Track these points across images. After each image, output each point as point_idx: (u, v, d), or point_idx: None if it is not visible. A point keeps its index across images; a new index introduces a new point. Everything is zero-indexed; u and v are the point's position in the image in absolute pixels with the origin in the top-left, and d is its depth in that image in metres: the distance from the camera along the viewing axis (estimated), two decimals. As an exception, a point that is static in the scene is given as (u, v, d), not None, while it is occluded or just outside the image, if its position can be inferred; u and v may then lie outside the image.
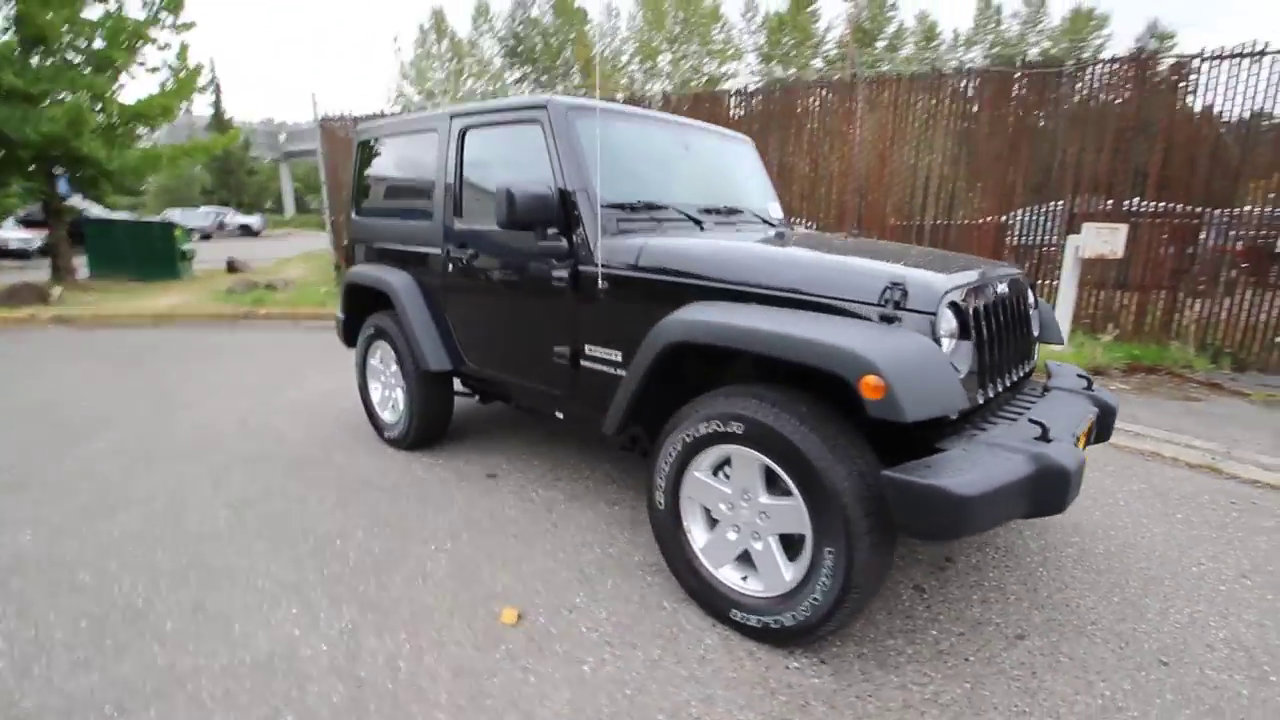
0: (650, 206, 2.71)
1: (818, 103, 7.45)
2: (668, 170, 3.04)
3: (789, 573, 1.94)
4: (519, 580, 2.38)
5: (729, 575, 2.10)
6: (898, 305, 1.84)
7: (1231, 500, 3.13)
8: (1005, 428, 1.97)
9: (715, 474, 2.11)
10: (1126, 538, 2.74)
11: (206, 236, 25.93)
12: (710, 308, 2.10)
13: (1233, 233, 5.97)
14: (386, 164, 3.69)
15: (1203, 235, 6.16)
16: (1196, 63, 5.70)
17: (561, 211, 2.54)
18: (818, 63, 34.41)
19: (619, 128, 2.85)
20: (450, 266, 3.16)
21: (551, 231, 2.59)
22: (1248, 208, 5.86)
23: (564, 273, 2.60)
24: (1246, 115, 5.65)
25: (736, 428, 1.93)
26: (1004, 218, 6.81)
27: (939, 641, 2.06)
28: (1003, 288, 2.20)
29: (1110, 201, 6.35)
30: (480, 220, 3.01)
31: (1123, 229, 5.67)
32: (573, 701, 1.80)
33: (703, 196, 3.00)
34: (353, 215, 3.91)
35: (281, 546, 2.61)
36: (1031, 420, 1.93)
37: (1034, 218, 6.71)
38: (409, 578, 2.39)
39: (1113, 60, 6.22)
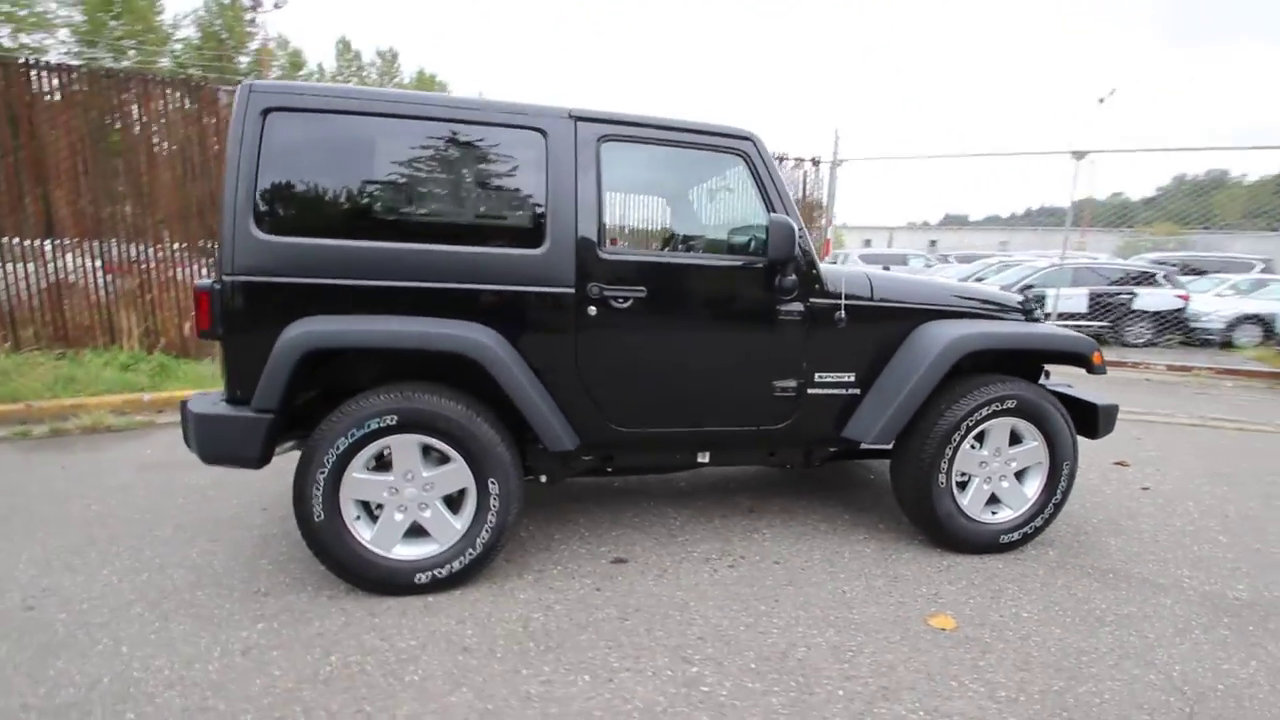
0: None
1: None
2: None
3: (1030, 490, 2.88)
4: (884, 610, 2.43)
5: (989, 517, 2.86)
6: (1035, 309, 3.04)
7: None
8: None
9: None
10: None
11: None
12: (962, 324, 2.78)
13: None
14: (378, 158, 2.31)
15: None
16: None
17: None
18: (165, 62, 29.02)
19: None
20: (593, 310, 2.44)
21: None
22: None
23: (797, 306, 2.63)
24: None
25: (1011, 404, 2.74)
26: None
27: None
28: None
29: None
30: (649, 251, 2.51)
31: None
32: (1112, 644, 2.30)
33: None
34: (254, 232, 2.21)
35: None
36: None
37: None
38: (844, 669, 2.10)
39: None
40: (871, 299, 2.77)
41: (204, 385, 5.39)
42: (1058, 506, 2.89)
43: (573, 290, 2.43)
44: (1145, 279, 11.64)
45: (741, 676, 2.00)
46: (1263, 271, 13.53)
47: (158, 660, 2.02)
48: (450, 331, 2.28)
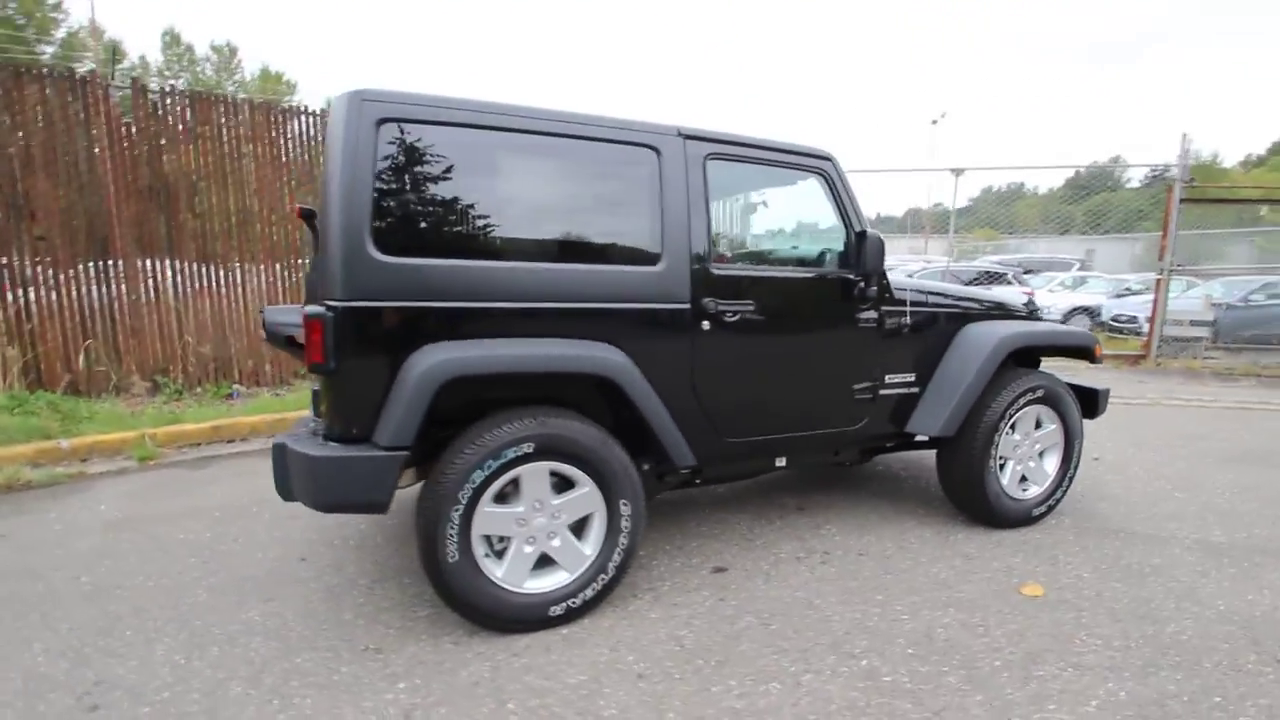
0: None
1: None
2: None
3: (1049, 467, 3.28)
4: (979, 584, 2.66)
5: (1022, 494, 3.21)
6: (1037, 310, 3.48)
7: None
8: None
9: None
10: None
11: None
12: (1000, 325, 3.12)
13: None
14: (498, 173, 2.18)
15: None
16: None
17: None
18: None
19: None
20: (707, 325, 2.46)
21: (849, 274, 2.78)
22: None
23: (872, 314, 2.82)
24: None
25: (1040, 393, 3.11)
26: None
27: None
28: None
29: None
30: (753, 265, 2.59)
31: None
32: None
33: None
34: (373, 253, 2.01)
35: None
36: None
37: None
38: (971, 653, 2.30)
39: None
40: (926, 305, 3.04)
41: (125, 426, 4.68)
42: (1071, 480, 3.32)
43: (688, 306, 2.45)
44: (997, 278, 13.42)
45: (910, 663, 2.13)
46: (1080, 269, 16.06)
47: (310, 740, 1.78)
48: (593, 353, 2.22)
